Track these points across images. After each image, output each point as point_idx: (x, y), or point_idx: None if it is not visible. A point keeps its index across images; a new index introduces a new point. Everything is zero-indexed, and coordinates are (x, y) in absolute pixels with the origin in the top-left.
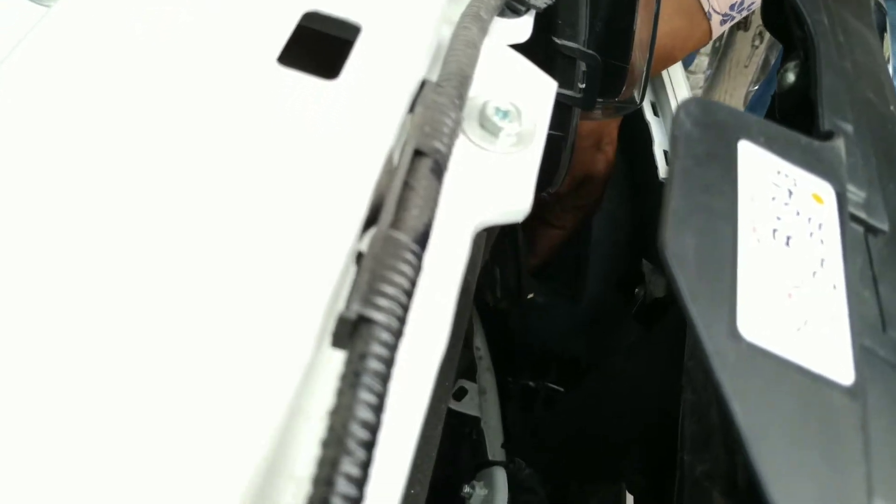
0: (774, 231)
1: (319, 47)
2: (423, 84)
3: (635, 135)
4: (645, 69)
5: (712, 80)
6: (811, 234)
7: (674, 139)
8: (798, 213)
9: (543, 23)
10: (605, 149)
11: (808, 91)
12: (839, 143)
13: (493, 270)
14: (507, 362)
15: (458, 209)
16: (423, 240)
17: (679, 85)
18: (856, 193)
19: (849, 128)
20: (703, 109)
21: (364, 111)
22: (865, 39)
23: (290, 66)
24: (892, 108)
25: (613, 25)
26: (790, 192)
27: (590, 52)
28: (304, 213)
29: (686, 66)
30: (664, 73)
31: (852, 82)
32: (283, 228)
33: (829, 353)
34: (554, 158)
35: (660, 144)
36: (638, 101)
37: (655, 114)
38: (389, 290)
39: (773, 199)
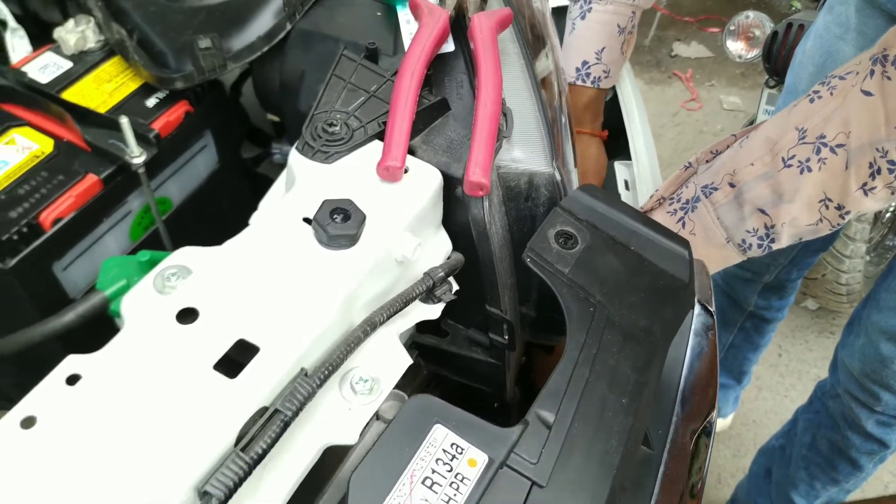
0: (425, 478)
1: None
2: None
3: None
4: None
5: None
6: (451, 483)
7: (395, 421)
8: (450, 470)
9: (479, 294)
10: None
11: None
12: (517, 429)
13: None
14: None
15: (311, 432)
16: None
17: None
18: (527, 460)
19: (550, 417)
20: (422, 402)
21: (241, 403)
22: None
23: (217, 370)
24: (624, 401)
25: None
26: (453, 457)
27: (506, 317)
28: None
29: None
30: None
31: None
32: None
33: None
34: (498, 379)
35: None
36: None
37: None
38: None
39: (438, 460)
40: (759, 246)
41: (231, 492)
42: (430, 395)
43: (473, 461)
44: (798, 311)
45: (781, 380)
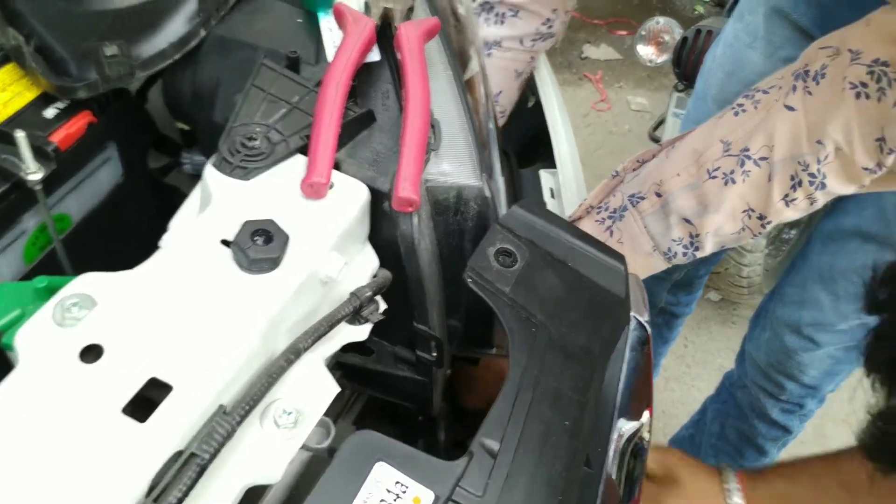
0: None
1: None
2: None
3: None
4: None
5: None
6: None
7: (335, 460)
8: None
9: (407, 311)
10: None
11: None
12: (461, 462)
13: None
14: None
15: (231, 472)
16: None
17: None
18: (472, 493)
19: (495, 446)
20: (362, 439)
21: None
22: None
23: (126, 414)
24: (567, 423)
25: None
26: (397, 496)
27: (434, 334)
28: None
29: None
30: None
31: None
32: None
33: None
34: (425, 395)
35: None
36: None
37: None
38: None
39: (382, 500)
40: (685, 254)
41: None
42: (370, 431)
43: (418, 499)
44: (702, 303)
45: (688, 370)
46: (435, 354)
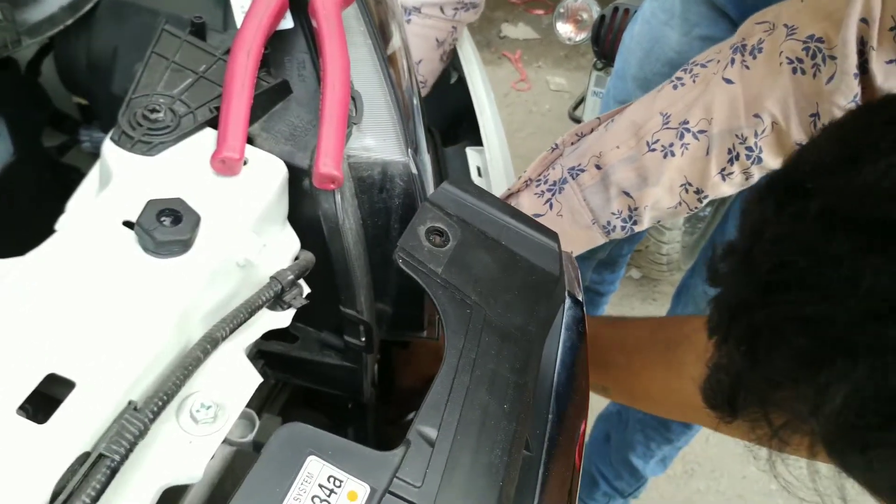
0: None
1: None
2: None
3: None
4: None
5: None
6: None
7: (262, 456)
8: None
9: (332, 295)
10: None
11: None
12: (399, 452)
13: None
14: None
15: (146, 473)
16: None
17: None
18: (411, 484)
19: (433, 433)
20: (291, 432)
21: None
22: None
23: (22, 414)
24: (506, 406)
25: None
26: (331, 491)
27: (363, 318)
28: None
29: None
30: None
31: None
32: None
33: None
34: (354, 382)
35: None
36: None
37: None
38: None
39: (314, 497)
40: (623, 228)
41: None
42: (299, 423)
43: (354, 494)
44: (624, 280)
45: None
46: (364, 339)
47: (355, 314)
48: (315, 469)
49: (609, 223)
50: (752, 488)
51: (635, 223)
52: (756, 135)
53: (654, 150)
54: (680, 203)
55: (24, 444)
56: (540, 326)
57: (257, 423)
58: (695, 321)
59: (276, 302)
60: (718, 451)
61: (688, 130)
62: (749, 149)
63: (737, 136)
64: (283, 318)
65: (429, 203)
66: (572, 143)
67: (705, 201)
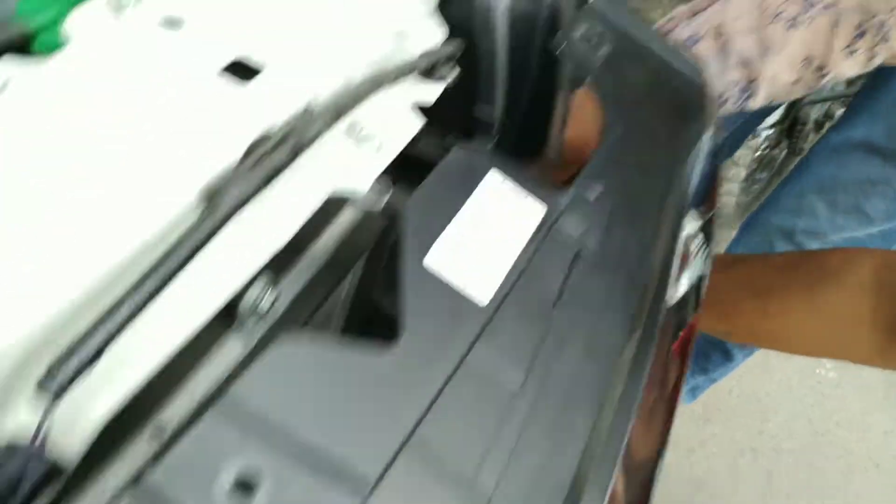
0: (480, 218)
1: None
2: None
3: None
4: None
5: None
6: (507, 226)
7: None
8: (503, 214)
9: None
10: None
11: None
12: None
13: None
14: None
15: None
16: None
17: None
18: (580, 222)
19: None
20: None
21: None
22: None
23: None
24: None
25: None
26: (509, 203)
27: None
28: None
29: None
30: None
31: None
32: None
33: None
34: None
35: None
36: None
37: None
38: None
39: (494, 201)
40: (737, 100)
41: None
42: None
43: (528, 212)
44: None
45: None
46: (489, 147)
47: (490, 115)
48: (494, 182)
49: (723, 94)
50: (767, 444)
51: (750, 97)
52: (893, 9)
53: (778, 21)
54: (799, 79)
55: (229, 102)
56: (685, 144)
57: (391, 190)
58: (837, 254)
59: (430, 72)
60: (739, 402)
61: (815, 3)
62: (880, 25)
63: (868, 11)
64: (431, 92)
65: (587, 9)
66: (687, 18)
67: (824, 80)
